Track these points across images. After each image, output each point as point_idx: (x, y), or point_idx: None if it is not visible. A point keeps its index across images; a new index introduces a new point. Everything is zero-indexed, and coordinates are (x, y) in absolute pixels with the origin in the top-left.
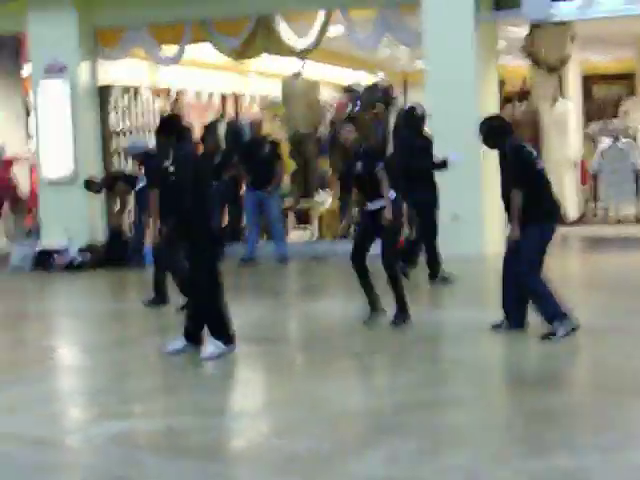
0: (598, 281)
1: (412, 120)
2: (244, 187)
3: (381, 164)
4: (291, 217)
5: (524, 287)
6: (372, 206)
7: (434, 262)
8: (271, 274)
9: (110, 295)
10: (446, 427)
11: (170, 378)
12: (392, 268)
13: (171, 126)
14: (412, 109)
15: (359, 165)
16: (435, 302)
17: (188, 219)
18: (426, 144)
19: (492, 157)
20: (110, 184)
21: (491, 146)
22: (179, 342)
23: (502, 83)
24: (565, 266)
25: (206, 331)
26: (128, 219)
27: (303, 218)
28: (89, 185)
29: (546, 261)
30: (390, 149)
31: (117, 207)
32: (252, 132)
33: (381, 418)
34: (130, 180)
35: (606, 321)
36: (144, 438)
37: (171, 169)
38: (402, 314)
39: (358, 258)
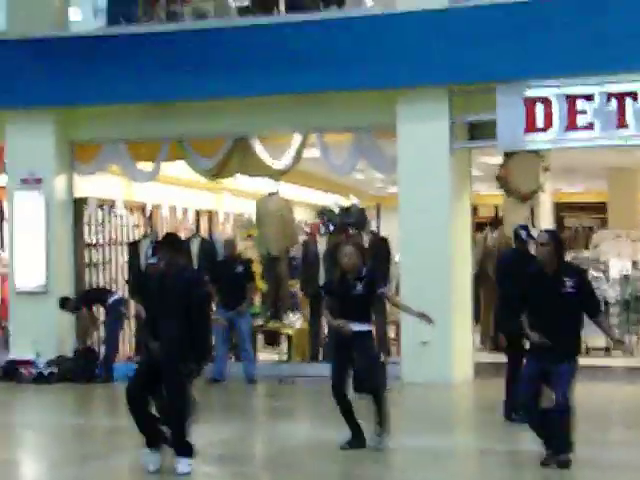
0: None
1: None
2: (213, 306)
3: (385, 288)
4: (260, 337)
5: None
6: (356, 327)
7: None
8: (239, 394)
9: (77, 409)
10: None
11: None
12: (379, 390)
13: (179, 244)
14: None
15: (359, 286)
16: (402, 429)
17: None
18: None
19: (461, 282)
20: (85, 303)
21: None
22: (152, 456)
23: (475, 210)
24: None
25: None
26: (96, 333)
27: (272, 339)
28: (64, 304)
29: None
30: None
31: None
32: (225, 251)
33: None
34: (103, 294)
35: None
36: None
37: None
38: (384, 433)
39: (340, 387)
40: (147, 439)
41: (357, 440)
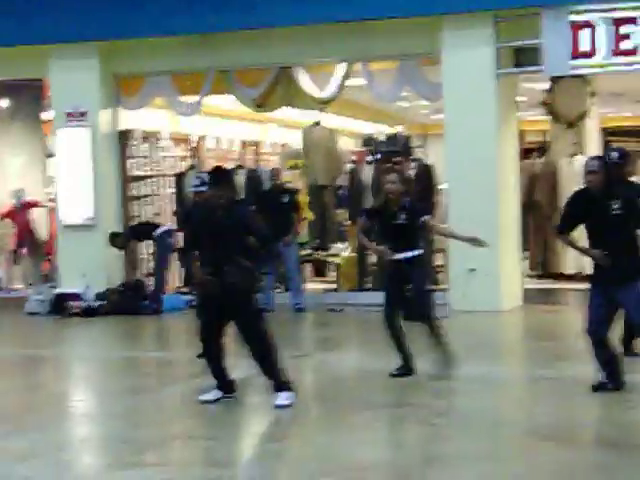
0: None
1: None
2: None
3: (427, 217)
4: (308, 267)
5: None
6: (404, 255)
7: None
8: (287, 324)
9: (127, 342)
10: None
11: (184, 427)
12: (430, 316)
13: (226, 178)
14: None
15: (402, 216)
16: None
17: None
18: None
19: (508, 209)
20: (132, 238)
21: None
22: (214, 393)
23: (521, 136)
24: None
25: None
26: (145, 267)
27: (321, 268)
28: (114, 240)
29: None
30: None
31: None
32: (271, 181)
33: (396, 473)
34: (150, 227)
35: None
36: None
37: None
38: (447, 362)
39: (392, 315)
40: (219, 384)
41: (406, 367)
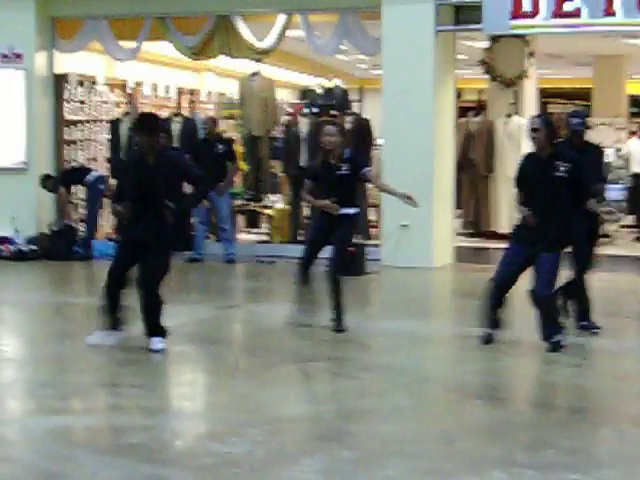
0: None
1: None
2: None
3: (367, 169)
4: (241, 218)
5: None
6: (347, 211)
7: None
8: (217, 275)
9: (57, 287)
10: (383, 437)
11: (110, 375)
12: (337, 276)
13: (155, 125)
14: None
15: (344, 168)
16: (380, 312)
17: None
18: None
19: (442, 167)
20: (63, 184)
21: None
22: (101, 335)
23: (459, 94)
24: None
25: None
26: (75, 211)
27: (253, 219)
28: (45, 182)
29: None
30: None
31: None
32: (206, 129)
33: (319, 425)
34: (82, 173)
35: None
36: (82, 435)
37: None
38: (340, 321)
39: (307, 265)
40: (112, 321)
41: (306, 310)
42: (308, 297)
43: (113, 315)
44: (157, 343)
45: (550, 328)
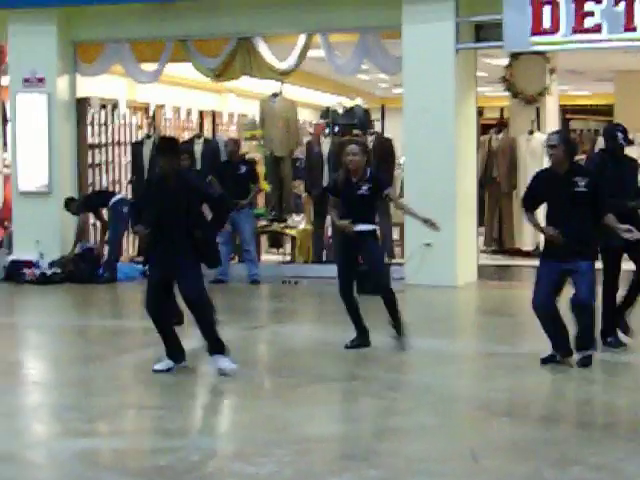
0: None
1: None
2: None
3: (390, 189)
4: (264, 239)
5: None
6: (360, 227)
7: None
8: (242, 295)
9: (81, 310)
10: (410, 456)
11: (137, 397)
12: (388, 288)
13: (175, 148)
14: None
15: (364, 187)
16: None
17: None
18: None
19: (465, 185)
20: (86, 208)
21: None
22: (166, 362)
23: (480, 112)
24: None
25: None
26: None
27: (276, 240)
28: (69, 204)
29: None
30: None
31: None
32: (228, 151)
33: (346, 445)
34: (104, 196)
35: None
36: (108, 457)
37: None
38: (401, 336)
39: (347, 287)
40: (168, 351)
41: (362, 339)
42: (361, 320)
43: (170, 346)
44: (224, 362)
45: (588, 339)
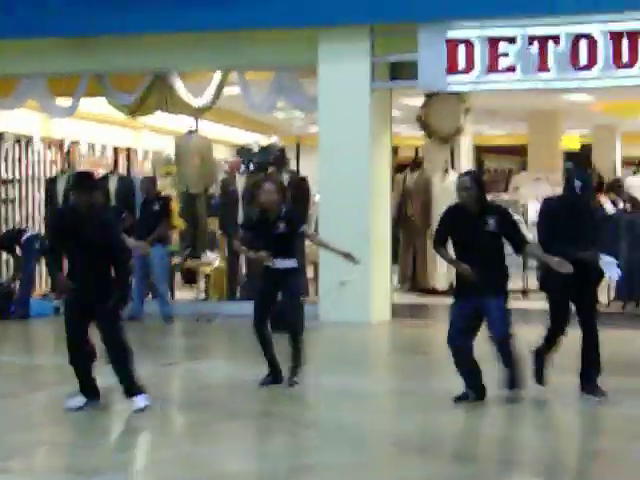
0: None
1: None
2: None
3: (305, 226)
4: (178, 276)
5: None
6: (282, 264)
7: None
8: (155, 332)
9: None
10: None
11: (50, 434)
12: (299, 333)
13: (91, 183)
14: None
15: (281, 226)
16: (318, 368)
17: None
18: None
19: (379, 223)
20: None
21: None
22: (79, 399)
23: (395, 151)
24: None
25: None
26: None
27: (191, 277)
28: None
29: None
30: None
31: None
32: (145, 189)
33: None
34: (15, 234)
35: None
36: None
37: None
38: (297, 372)
39: (262, 322)
40: (82, 387)
41: (275, 376)
42: (274, 356)
43: (84, 383)
44: (140, 401)
45: (512, 377)
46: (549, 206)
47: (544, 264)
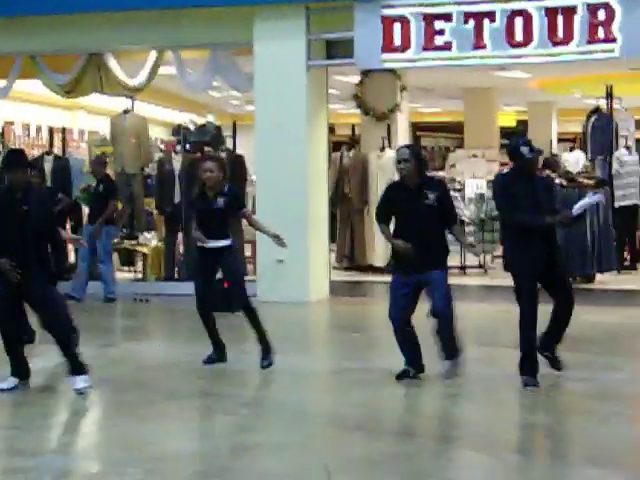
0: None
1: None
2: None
3: (245, 208)
4: (116, 256)
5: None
6: (215, 244)
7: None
8: (94, 313)
9: None
10: (265, 473)
11: None
12: (248, 303)
13: (23, 161)
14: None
15: (221, 201)
16: (257, 348)
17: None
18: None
19: (317, 201)
20: None
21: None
22: (11, 380)
23: (332, 129)
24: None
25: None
26: None
27: (128, 258)
28: None
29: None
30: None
31: None
32: (92, 170)
33: (201, 463)
34: None
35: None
36: None
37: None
38: (268, 351)
39: (205, 302)
40: (13, 368)
41: (218, 354)
42: (218, 336)
43: (16, 364)
44: (80, 381)
45: (450, 350)
46: (505, 180)
47: (513, 247)
